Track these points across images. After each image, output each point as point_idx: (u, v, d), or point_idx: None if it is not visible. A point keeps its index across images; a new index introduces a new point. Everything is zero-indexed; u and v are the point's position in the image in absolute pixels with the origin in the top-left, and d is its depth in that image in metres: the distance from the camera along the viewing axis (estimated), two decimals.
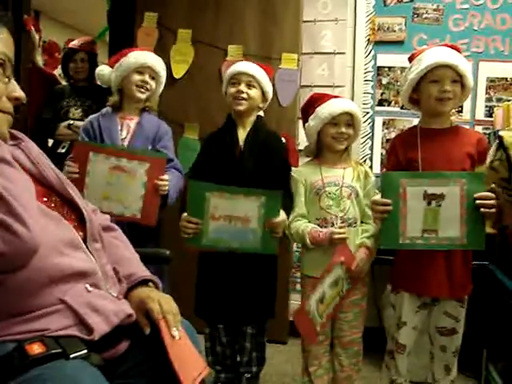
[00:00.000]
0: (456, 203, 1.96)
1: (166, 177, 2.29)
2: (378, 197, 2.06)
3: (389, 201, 1.98)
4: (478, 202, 1.93)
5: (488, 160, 1.83)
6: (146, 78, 2.42)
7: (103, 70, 2.47)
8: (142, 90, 2.42)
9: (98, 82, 2.55)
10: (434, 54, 2.06)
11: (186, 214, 2.19)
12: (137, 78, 2.40)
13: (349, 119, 2.23)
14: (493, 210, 1.93)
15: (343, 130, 2.22)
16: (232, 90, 2.36)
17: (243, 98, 2.34)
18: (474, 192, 1.94)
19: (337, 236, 2.13)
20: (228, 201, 2.15)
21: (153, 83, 2.45)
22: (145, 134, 2.43)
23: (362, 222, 2.26)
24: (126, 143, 2.42)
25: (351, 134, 2.26)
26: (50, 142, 3.54)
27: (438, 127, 2.13)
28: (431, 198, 1.97)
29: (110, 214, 2.18)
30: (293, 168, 2.42)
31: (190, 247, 2.21)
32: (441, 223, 1.97)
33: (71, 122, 3.42)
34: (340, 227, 2.17)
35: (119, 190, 2.24)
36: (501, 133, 1.78)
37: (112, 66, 2.47)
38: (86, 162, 2.24)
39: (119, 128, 2.42)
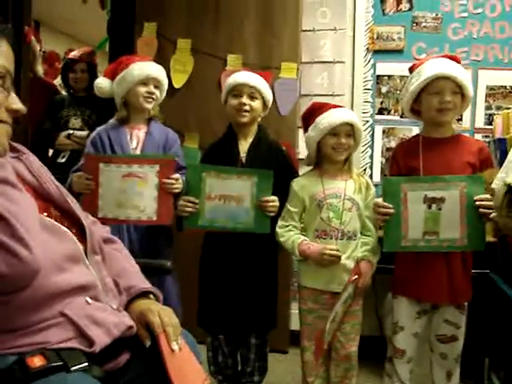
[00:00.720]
0: (456, 206, 2.00)
1: (176, 175, 2.29)
2: (380, 200, 2.09)
3: (390, 205, 2.03)
4: (477, 203, 1.97)
5: (503, 212, 1.87)
6: (151, 88, 2.41)
7: (102, 82, 2.47)
8: (149, 100, 2.42)
9: (97, 94, 2.54)
10: (434, 66, 2.07)
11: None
12: (142, 90, 2.39)
13: (349, 129, 2.21)
14: (491, 211, 1.96)
15: (343, 140, 2.20)
16: (234, 102, 2.35)
17: (246, 111, 2.34)
18: (474, 194, 1.99)
19: (328, 252, 2.13)
20: (223, 181, 2.23)
21: (158, 92, 2.46)
22: (155, 142, 2.44)
23: (361, 234, 2.25)
24: (137, 152, 2.42)
25: (351, 145, 2.24)
26: (51, 151, 3.55)
27: (440, 136, 2.14)
28: (432, 202, 2.02)
29: (128, 221, 2.27)
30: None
31: (188, 229, 2.29)
32: (441, 226, 2.02)
33: (71, 131, 3.43)
34: (331, 249, 2.14)
35: (133, 195, 2.24)
36: (510, 181, 1.82)
37: (108, 76, 2.46)
38: (97, 173, 2.24)
39: (129, 138, 2.42)
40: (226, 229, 2.26)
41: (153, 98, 2.43)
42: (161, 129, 2.51)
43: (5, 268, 1.08)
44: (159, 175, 2.25)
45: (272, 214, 2.25)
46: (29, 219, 1.16)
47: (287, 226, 2.26)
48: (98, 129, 2.49)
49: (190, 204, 2.23)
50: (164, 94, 2.54)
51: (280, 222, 2.28)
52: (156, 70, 2.45)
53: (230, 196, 2.23)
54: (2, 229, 1.09)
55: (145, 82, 2.40)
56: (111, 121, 2.49)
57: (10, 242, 1.09)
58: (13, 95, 1.27)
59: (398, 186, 2.04)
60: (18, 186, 1.18)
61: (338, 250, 2.14)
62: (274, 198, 2.24)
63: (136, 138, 2.44)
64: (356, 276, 2.11)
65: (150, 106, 2.43)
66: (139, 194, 2.24)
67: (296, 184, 2.30)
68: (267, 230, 2.26)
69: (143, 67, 2.41)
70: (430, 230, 2.02)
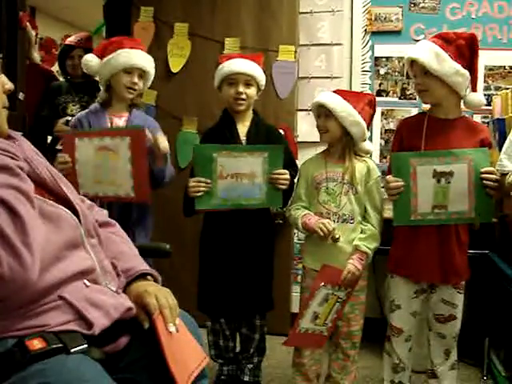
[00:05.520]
0: (464, 179, 2.02)
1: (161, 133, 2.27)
2: (389, 176, 2.10)
3: (400, 180, 2.04)
4: (482, 176, 1.98)
5: None
6: (135, 79, 2.38)
7: (91, 60, 2.43)
8: (131, 91, 2.40)
9: (85, 71, 2.52)
10: None
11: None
12: (126, 79, 2.37)
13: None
14: (496, 184, 1.97)
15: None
16: (231, 91, 2.35)
17: (243, 99, 2.35)
18: (480, 167, 2.00)
19: (321, 225, 2.14)
20: (234, 159, 2.22)
21: (141, 83, 2.43)
22: None
23: (364, 218, 2.25)
24: None
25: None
26: (49, 138, 3.55)
27: (443, 117, 2.13)
28: (441, 176, 2.03)
29: (107, 198, 2.25)
30: (300, 161, 2.44)
31: (200, 210, 2.28)
32: (450, 199, 2.03)
33: (69, 118, 3.41)
34: (328, 223, 2.16)
35: (108, 170, 2.23)
36: None
37: (98, 54, 2.43)
38: (74, 150, 2.24)
39: (108, 126, 2.41)
40: (239, 206, 2.27)
41: (135, 89, 2.40)
42: (140, 116, 2.49)
43: (7, 271, 1.07)
44: (131, 148, 2.21)
45: (284, 187, 2.26)
46: (38, 232, 1.16)
47: (296, 207, 2.30)
48: (79, 114, 2.49)
49: (202, 184, 2.22)
50: (149, 83, 2.52)
51: (290, 206, 2.34)
52: (142, 60, 2.41)
53: (243, 174, 2.24)
54: (17, 231, 1.10)
55: (129, 70, 2.37)
56: (93, 105, 2.49)
57: (21, 248, 1.09)
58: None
59: (407, 161, 2.05)
60: (32, 199, 1.19)
61: (333, 229, 2.14)
62: (285, 171, 2.26)
63: (116, 126, 2.41)
64: (322, 283, 2.12)
65: (130, 96, 2.41)
66: (113, 168, 2.23)
67: (303, 165, 2.37)
68: (279, 204, 2.31)
69: (130, 56, 2.37)
70: (439, 204, 2.04)
